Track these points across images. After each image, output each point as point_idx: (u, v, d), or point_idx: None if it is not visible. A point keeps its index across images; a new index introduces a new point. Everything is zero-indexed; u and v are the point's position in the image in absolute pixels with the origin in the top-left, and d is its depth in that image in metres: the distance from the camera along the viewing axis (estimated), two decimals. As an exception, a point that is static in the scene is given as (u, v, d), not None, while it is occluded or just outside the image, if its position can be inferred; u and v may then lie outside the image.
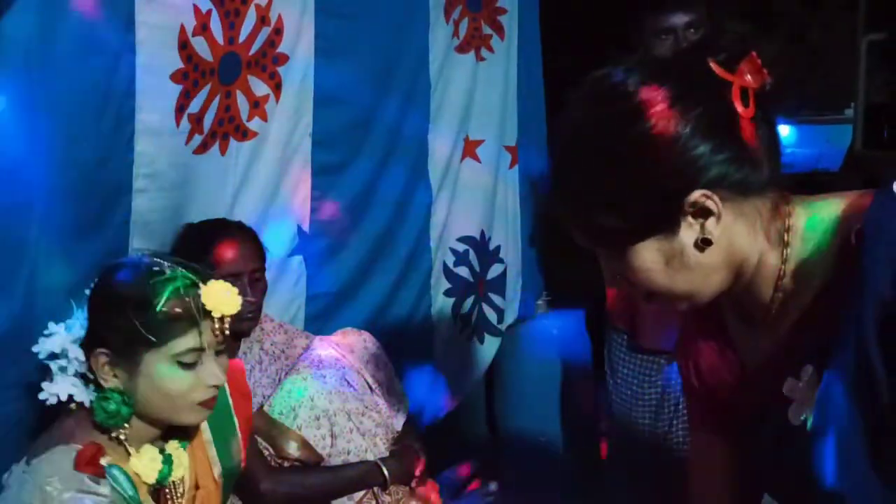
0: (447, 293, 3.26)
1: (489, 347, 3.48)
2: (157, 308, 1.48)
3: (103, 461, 1.49)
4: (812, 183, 1.20)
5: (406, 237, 3.05)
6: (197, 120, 2.18)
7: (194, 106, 2.17)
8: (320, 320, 2.70)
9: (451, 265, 3.26)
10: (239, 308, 1.55)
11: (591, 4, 3.69)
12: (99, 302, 1.56)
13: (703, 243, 1.08)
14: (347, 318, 2.72)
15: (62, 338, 1.56)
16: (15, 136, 1.75)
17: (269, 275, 2.24)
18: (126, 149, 2.02)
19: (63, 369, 1.55)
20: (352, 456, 2.15)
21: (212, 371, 1.54)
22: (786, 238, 1.11)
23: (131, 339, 1.49)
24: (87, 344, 1.55)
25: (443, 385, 3.26)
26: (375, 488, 2.17)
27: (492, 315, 3.46)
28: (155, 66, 2.04)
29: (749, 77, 1.06)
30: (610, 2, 3.39)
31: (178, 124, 2.13)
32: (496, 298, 3.46)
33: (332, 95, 2.64)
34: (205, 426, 1.72)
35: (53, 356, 1.56)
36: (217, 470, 1.74)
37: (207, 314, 1.51)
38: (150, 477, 1.56)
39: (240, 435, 1.81)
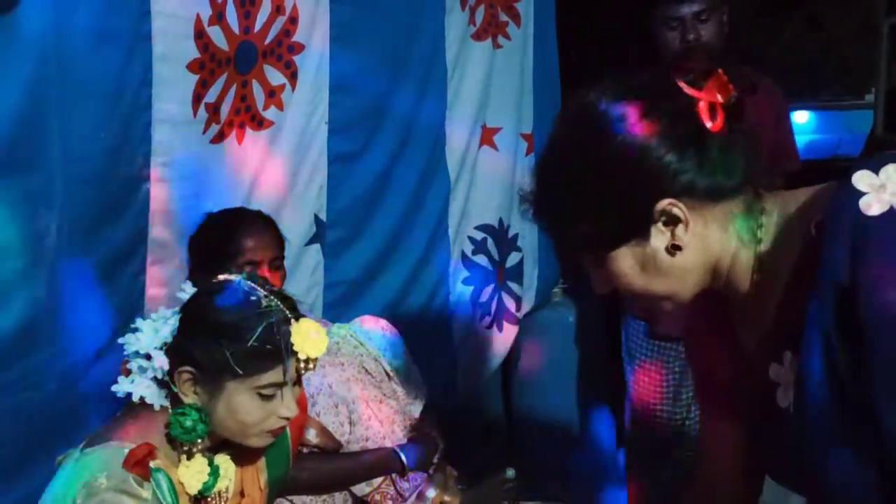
0: (466, 281, 3.26)
1: (507, 335, 3.49)
2: (249, 343, 1.50)
3: (152, 464, 1.50)
4: (832, 169, 1.22)
5: (424, 225, 3.05)
6: (214, 109, 2.20)
7: (211, 95, 2.18)
8: (338, 308, 2.71)
9: (469, 253, 3.26)
10: (325, 351, 1.57)
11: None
12: (193, 323, 1.56)
13: (674, 248, 1.15)
14: (366, 306, 2.72)
15: (150, 339, 1.56)
16: (33, 127, 1.77)
17: (286, 264, 2.24)
18: (143, 138, 2.03)
19: (143, 370, 1.56)
20: (370, 443, 2.16)
21: (288, 405, 1.56)
22: (758, 235, 1.17)
23: (219, 366, 1.51)
24: (174, 357, 1.55)
25: (461, 373, 3.27)
26: (393, 475, 2.17)
27: (510, 303, 3.46)
28: (171, 56, 2.05)
29: (716, 93, 1.13)
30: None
31: (195, 113, 2.14)
32: (514, 286, 3.46)
33: (348, 84, 2.64)
34: None
35: (136, 354, 1.57)
36: (264, 478, 1.75)
37: (294, 353, 1.53)
38: (194, 488, 1.57)
39: (291, 444, 1.82)
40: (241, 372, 1.50)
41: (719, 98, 1.13)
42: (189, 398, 1.54)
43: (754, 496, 1.45)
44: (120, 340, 1.58)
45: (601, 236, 1.16)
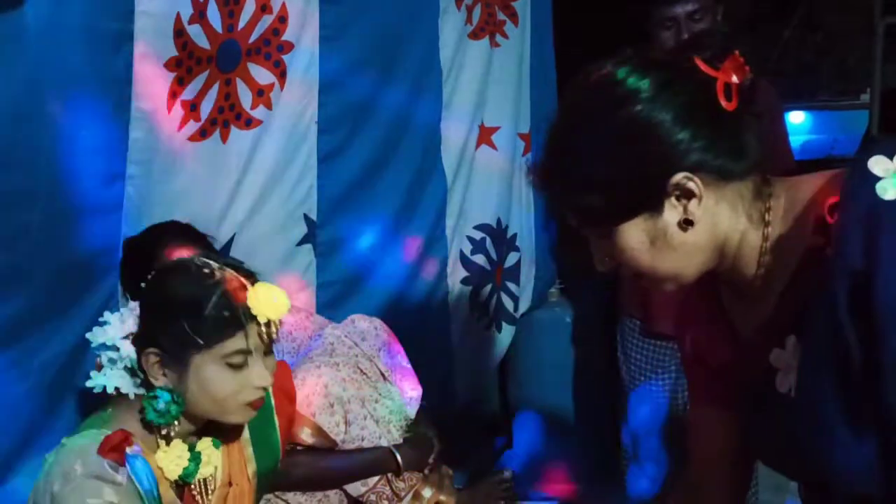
0: (464, 281, 3.25)
1: (505, 335, 3.49)
2: (206, 312, 1.50)
3: (129, 450, 1.51)
4: (827, 168, 1.22)
5: (421, 225, 3.05)
6: (192, 107, 2.19)
7: (189, 93, 2.17)
8: (332, 308, 2.70)
9: (467, 253, 3.26)
10: (286, 312, 1.56)
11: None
12: (151, 303, 1.58)
13: (686, 223, 1.15)
14: (361, 306, 2.71)
15: (115, 330, 1.57)
16: (23, 125, 1.78)
17: (277, 264, 2.25)
18: (122, 136, 2.03)
19: (112, 361, 1.57)
20: (366, 442, 2.15)
21: (259, 373, 1.56)
22: (766, 217, 1.17)
23: (181, 342, 1.51)
24: (139, 342, 1.56)
25: (458, 373, 3.27)
26: (389, 474, 2.17)
27: (509, 303, 3.46)
28: (151, 55, 2.05)
29: (732, 74, 1.13)
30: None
31: (169, 111, 2.13)
32: (512, 286, 3.46)
33: (339, 83, 2.64)
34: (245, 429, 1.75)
35: (104, 347, 1.58)
36: (252, 468, 1.75)
37: (254, 318, 1.53)
38: (173, 473, 1.57)
39: (280, 435, 1.82)
40: (202, 342, 1.51)
41: (735, 79, 1.13)
42: (160, 381, 1.54)
43: (744, 483, 1.47)
44: (87, 335, 1.59)
45: (612, 208, 1.15)
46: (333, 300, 2.75)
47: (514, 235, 3.43)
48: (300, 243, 2.64)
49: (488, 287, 3.35)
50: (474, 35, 3.15)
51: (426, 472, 2.24)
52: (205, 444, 1.64)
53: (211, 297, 1.51)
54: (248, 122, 2.38)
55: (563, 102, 1.23)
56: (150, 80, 2.07)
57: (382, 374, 2.30)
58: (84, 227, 1.96)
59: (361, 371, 2.24)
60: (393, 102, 2.86)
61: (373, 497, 2.15)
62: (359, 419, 2.15)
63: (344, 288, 2.79)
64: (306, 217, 2.64)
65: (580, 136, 1.17)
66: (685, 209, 1.14)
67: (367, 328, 2.36)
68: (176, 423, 1.56)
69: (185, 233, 2.08)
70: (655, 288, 1.23)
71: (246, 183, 2.41)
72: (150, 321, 1.56)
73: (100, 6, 1.92)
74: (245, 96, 2.35)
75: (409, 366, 2.41)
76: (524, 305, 3.55)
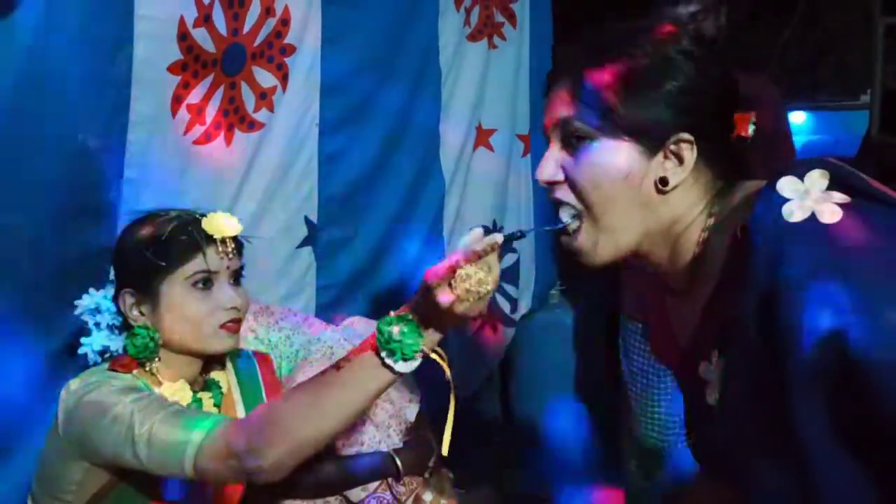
0: (461, 283, 3.24)
1: (503, 337, 3.48)
2: (164, 238, 1.63)
3: (134, 373, 1.64)
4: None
5: (419, 226, 3.04)
6: (198, 110, 2.18)
7: (194, 96, 2.16)
8: (332, 310, 2.69)
9: (463, 255, 3.24)
10: (238, 232, 1.70)
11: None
12: (118, 249, 1.72)
13: (661, 183, 1.15)
14: (360, 308, 2.71)
15: (97, 295, 1.70)
16: (18, 124, 1.79)
17: (277, 266, 2.23)
18: (119, 138, 2.03)
19: (97, 325, 1.69)
20: (365, 447, 2.14)
21: (227, 293, 1.67)
22: (706, 223, 1.18)
23: (147, 272, 1.64)
24: (116, 292, 1.69)
25: (456, 375, 3.25)
26: (389, 479, 2.16)
27: (506, 305, 3.45)
28: (153, 58, 2.04)
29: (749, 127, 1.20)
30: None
31: (174, 114, 2.13)
32: (510, 288, 3.45)
33: (340, 85, 2.63)
34: (237, 395, 1.82)
35: (88, 311, 1.71)
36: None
37: (211, 239, 1.65)
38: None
39: (263, 384, 1.88)
40: (163, 264, 1.63)
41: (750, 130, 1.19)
42: (139, 321, 1.66)
43: None
44: (75, 303, 1.70)
45: (626, 117, 1.15)
46: (333, 302, 2.74)
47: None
48: (300, 245, 2.64)
49: (485, 288, 3.33)
50: (473, 37, 3.15)
51: (426, 475, 2.23)
52: (205, 397, 1.73)
53: (168, 227, 1.65)
54: (251, 125, 2.37)
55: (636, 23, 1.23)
56: (152, 84, 2.06)
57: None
58: (80, 228, 1.96)
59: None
60: (393, 104, 2.86)
61: (373, 502, 2.14)
62: (357, 423, 2.13)
63: (343, 290, 2.79)
64: (307, 219, 2.64)
65: (638, 44, 1.17)
66: (670, 170, 1.16)
67: (365, 330, 2.35)
68: (157, 358, 1.66)
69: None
70: (580, 243, 1.21)
71: (249, 186, 2.41)
72: (119, 265, 1.71)
73: (96, 10, 1.91)
74: (249, 99, 2.35)
75: (408, 369, 2.39)
76: (523, 307, 3.54)
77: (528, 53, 3.41)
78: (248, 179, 2.40)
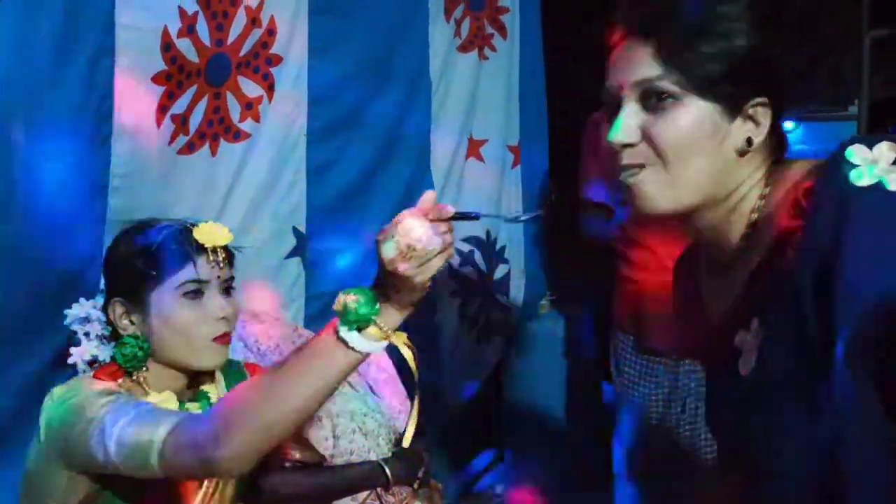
0: (453, 294, 3.25)
1: (496, 347, 3.48)
2: (155, 248, 1.61)
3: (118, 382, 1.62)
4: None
5: (409, 238, 3.03)
6: (182, 121, 2.18)
7: (178, 107, 2.16)
8: (321, 320, 2.67)
9: (456, 265, 3.25)
10: (229, 241, 1.68)
11: (591, 3, 3.68)
12: (108, 258, 1.71)
13: (748, 143, 1.16)
14: (350, 319, 2.70)
15: (86, 305, 1.69)
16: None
17: (266, 278, 2.23)
18: (102, 149, 2.02)
19: (87, 334, 1.68)
20: (354, 456, 2.14)
21: (217, 303, 1.64)
22: (763, 191, 1.18)
23: (137, 280, 1.62)
24: (106, 301, 1.67)
25: (448, 385, 3.25)
26: (378, 489, 2.15)
27: (499, 315, 3.45)
28: (136, 69, 2.04)
29: None
30: (613, 1, 3.38)
31: (158, 125, 2.13)
32: (502, 298, 3.45)
33: (327, 95, 2.64)
34: None
35: (78, 321, 1.69)
36: None
37: (202, 248, 1.63)
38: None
39: None
40: (153, 273, 1.61)
41: None
42: (128, 330, 1.64)
43: None
44: (65, 312, 1.69)
45: (708, 79, 1.14)
46: (322, 313, 2.73)
47: (503, 248, 3.43)
48: (289, 256, 2.64)
49: (478, 299, 3.34)
50: (463, 48, 3.16)
51: (416, 486, 2.22)
52: (193, 408, 1.69)
53: (159, 237, 1.63)
54: (237, 136, 2.38)
55: None
56: (135, 95, 2.06)
57: (370, 388, 2.29)
58: (65, 239, 1.96)
59: (350, 384, 2.22)
60: (383, 114, 2.86)
61: (362, 511, 2.14)
62: (347, 433, 2.13)
63: (332, 301, 2.76)
64: (295, 230, 2.64)
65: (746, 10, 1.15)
66: (751, 132, 1.16)
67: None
68: (145, 368, 1.64)
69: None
70: (642, 197, 1.19)
71: (235, 196, 2.40)
72: (109, 274, 1.69)
73: (75, 19, 1.91)
74: (234, 109, 2.35)
75: (397, 379, 2.39)
76: (515, 317, 3.54)
77: (518, 65, 3.42)
78: (234, 189, 2.39)
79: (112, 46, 1.99)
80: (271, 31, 2.42)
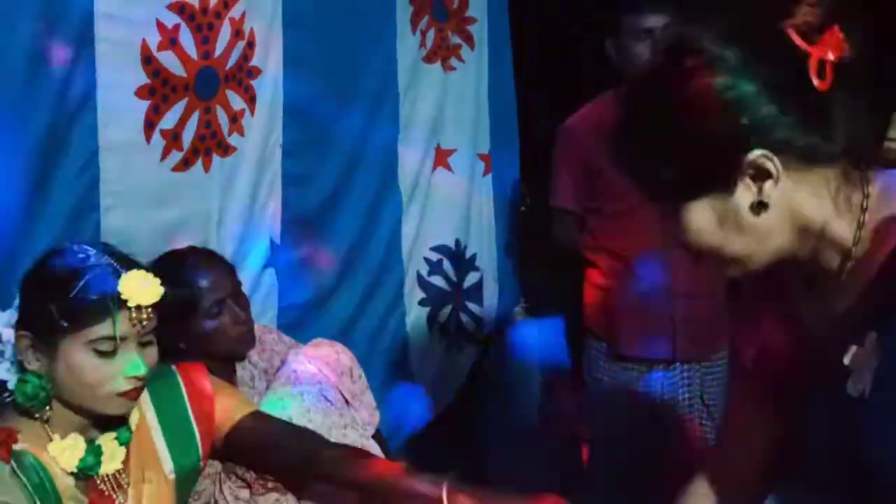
0: (422, 303, 3.25)
1: (468, 356, 3.48)
2: (72, 295, 1.47)
3: (17, 447, 1.49)
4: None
5: (376, 247, 3.04)
6: (173, 136, 2.17)
7: (168, 122, 2.15)
8: (292, 331, 2.65)
9: (424, 275, 3.25)
10: (157, 298, 1.52)
11: (562, 10, 3.70)
12: (25, 285, 1.56)
13: (759, 206, 1.06)
14: (320, 330, 2.69)
15: (4, 321, 1.56)
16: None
17: (243, 288, 2.21)
18: (89, 166, 2.00)
19: (2, 354, 1.55)
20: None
21: (131, 361, 1.51)
22: (864, 204, 1.09)
23: (49, 325, 1.48)
24: (17, 326, 1.54)
25: (420, 395, 3.25)
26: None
27: (470, 323, 3.45)
28: (117, 82, 2.03)
29: (829, 50, 1.03)
30: (579, 10, 3.40)
31: (148, 140, 2.11)
32: (474, 307, 3.45)
33: (301, 107, 2.64)
34: (154, 421, 1.70)
35: None
36: (168, 467, 1.70)
37: (124, 303, 1.48)
38: (69, 464, 1.54)
39: (198, 435, 1.76)
40: (66, 325, 1.47)
41: (831, 55, 1.03)
42: (33, 365, 1.51)
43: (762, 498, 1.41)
44: None
45: (682, 183, 1.08)
46: (295, 324, 2.73)
47: (474, 256, 3.43)
48: (264, 267, 2.64)
49: (447, 308, 3.34)
50: (428, 59, 3.17)
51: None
52: (107, 439, 1.60)
53: (80, 280, 1.47)
54: (226, 150, 2.37)
55: (643, 66, 1.15)
56: (119, 110, 2.04)
57: (346, 401, 2.28)
58: None
59: (326, 399, 2.21)
60: (353, 126, 2.87)
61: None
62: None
63: (304, 312, 2.79)
64: (271, 241, 2.64)
65: (657, 103, 1.10)
66: (760, 190, 1.05)
67: (328, 352, 2.34)
68: (48, 408, 1.53)
69: (209, 255, 2.09)
70: (720, 272, 1.15)
71: (226, 210, 2.41)
72: (23, 304, 1.54)
73: (51, 32, 1.90)
74: (223, 123, 2.34)
75: (368, 391, 2.38)
76: (488, 326, 3.54)
77: (487, 74, 3.42)
78: (226, 204, 2.40)
79: (92, 60, 1.98)
80: (251, 44, 2.42)
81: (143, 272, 1.52)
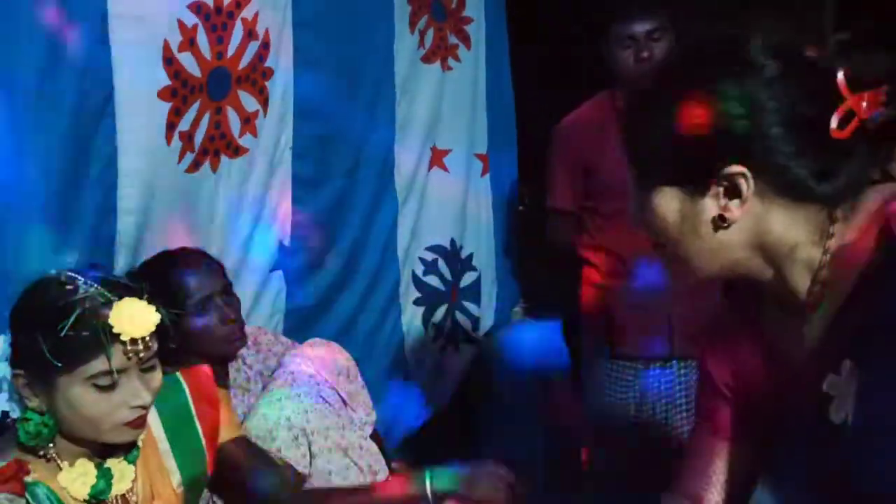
0: (417, 302, 3.25)
1: (464, 355, 3.48)
2: (64, 333, 1.40)
3: (28, 478, 1.46)
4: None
5: (373, 248, 3.04)
6: (188, 137, 2.16)
7: (185, 123, 2.14)
8: (297, 333, 2.66)
9: (420, 274, 3.25)
10: (153, 328, 1.45)
11: (558, 12, 3.70)
12: (14, 322, 1.50)
13: (720, 221, 1.07)
14: (323, 331, 2.69)
15: (3, 352, 1.53)
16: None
17: (251, 290, 2.22)
18: (108, 168, 1.99)
19: (1, 385, 1.55)
20: (333, 475, 2.11)
21: (133, 391, 1.46)
22: (830, 230, 1.08)
23: (43, 364, 1.42)
24: (11, 364, 1.49)
25: (416, 394, 3.25)
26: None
27: (466, 323, 3.45)
28: (138, 83, 2.01)
29: (863, 104, 1.03)
30: (577, 10, 3.40)
31: (169, 142, 2.10)
32: (471, 306, 3.45)
33: (310, 108, 2.63)
34: (161, 435, 1.68)
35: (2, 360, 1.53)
36: (176, 479, 1.68)
37: (116, 337, 1.42)
38: (81, 492, 1.51)
39: (205, 443, 1.75)
40: (60, 365, 1.41)
41: (863, 111, 1.02)
42: (32, 402, 1.47)
43: None
44: None
45: (666, 163, 1.08)
46: (299, 326, 2.73)
47: (471, 255, 3.43)
48: (273, 269, 2.64)
49: (443, 307, 3.34)
50: (426, 59, 3.16)
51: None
52: (115, 462, 1.57)
53: (69, 317, 1.40)
54: (237, 151, 2.36)
55: (684, 41, 1.16)
56: (141, 111, 2.03)
57: (344, 401, 2.28)
58: (75, 257, 1.92)
59: (324, 399, 2.21)
60: (353, 126, 2.87)
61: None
62: (323, 452, 2.12)
63: (310, 314, 2.79)
64: (280, 243, 2.64)
65: (686, 79, 1.08)
66: (725, 207, 1.06)
67: (325, 353, 2.34)
68: (51, 444, 1.49)
69: (197, 254, 2.08)
70: (674, 270, 1.16)
71: (235, 212, 2.40)
72: (15, 342, 1.49)
73: (65, 35, 1.88)
74: (235, 124, 2.33)
75: (365, 391, 2.39)
76: (486, 325, 3.54)
77: (484, 74, 3.42)
78: (235, 205, 2.39)
79: (109, 61, 1.96)
80: (266, 44, 2.41)
81: (135, 299, 1.45)
